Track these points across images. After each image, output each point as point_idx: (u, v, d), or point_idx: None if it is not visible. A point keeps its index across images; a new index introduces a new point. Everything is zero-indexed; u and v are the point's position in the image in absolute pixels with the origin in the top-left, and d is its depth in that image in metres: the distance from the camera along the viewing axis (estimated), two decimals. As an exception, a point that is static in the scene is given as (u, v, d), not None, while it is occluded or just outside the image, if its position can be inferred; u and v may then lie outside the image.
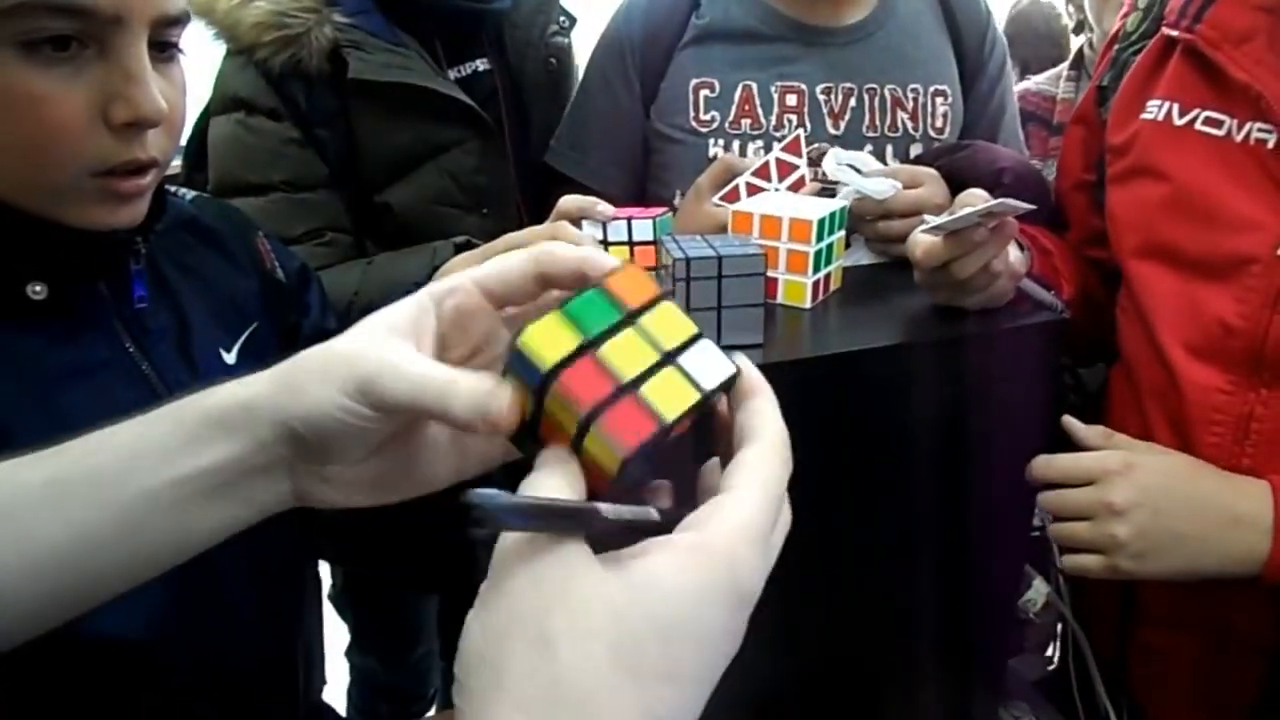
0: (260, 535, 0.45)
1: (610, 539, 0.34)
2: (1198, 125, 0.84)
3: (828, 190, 0.95)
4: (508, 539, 0.34)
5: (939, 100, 1.11)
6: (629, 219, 0.82)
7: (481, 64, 1.20)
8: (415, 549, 0.85)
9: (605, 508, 0.34)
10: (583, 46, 1.29)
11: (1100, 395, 1.00)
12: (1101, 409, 0.98)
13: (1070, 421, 0.84)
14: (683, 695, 0.32)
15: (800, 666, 0.75)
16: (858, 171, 0.92)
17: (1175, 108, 0.86)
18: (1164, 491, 0.76)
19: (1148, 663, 0.92)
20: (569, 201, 0.83)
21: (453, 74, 1.16)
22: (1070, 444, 1.01)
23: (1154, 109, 0.88)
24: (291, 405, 0.40)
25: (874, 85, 1.08)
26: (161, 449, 0.42)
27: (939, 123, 1.11)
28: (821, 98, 1.08)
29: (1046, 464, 0.80)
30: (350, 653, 1.73)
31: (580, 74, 1.26)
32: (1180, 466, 0.79)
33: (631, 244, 0.82)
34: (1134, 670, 0.92)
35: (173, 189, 0.82)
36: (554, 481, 0.34)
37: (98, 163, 0.60)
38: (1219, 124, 0.83)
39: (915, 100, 1.10)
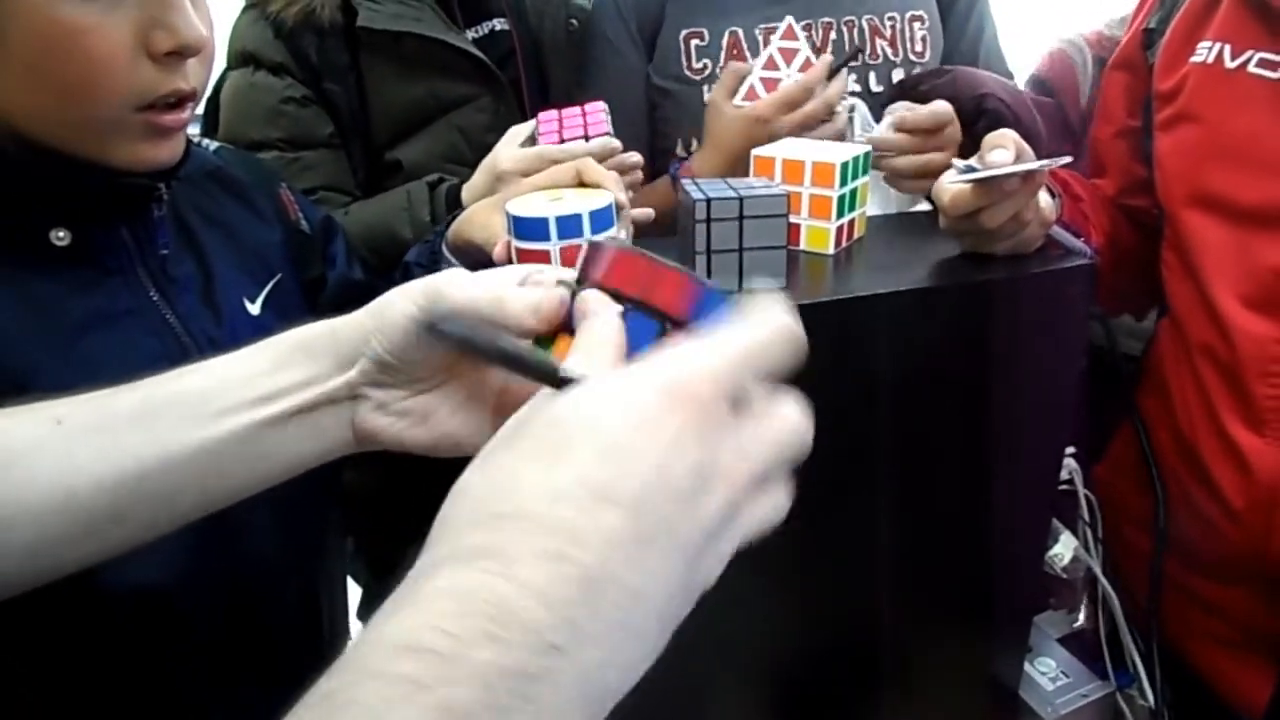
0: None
1: None
2: (1251, 68, 0.81)
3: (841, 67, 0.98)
4: None
5: (916, 25, 1.12)
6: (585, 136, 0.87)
7: (499, 23, 1.19)
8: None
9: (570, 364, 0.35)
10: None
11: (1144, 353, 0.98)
12: (1151, 364, 0.96)
13: None
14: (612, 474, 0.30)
15: (824, 620, 0.75)
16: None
17: (1227, 49, 0.83)
18: None
19: (1183, 610, 0.90)
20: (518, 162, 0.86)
21: (470, 34, 1.16)
22: (1103, 406, 0.99)
23: (1204, 51, 0.85)
24: (371, 323, 0.47)
25: (851, 17, 1.10)
26: (249, 373, 0.47)
27: (919, 47, 1.12)
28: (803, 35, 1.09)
29: None
30: (363, 614, 1.75)
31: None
32: None
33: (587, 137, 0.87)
34: (1170, 615, 0.91)
35: (197, 139, 0.82)
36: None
37: (141, 95, 0.60)
38: (1274, 65, 0.80)
39: (893, 27, 1.12)
